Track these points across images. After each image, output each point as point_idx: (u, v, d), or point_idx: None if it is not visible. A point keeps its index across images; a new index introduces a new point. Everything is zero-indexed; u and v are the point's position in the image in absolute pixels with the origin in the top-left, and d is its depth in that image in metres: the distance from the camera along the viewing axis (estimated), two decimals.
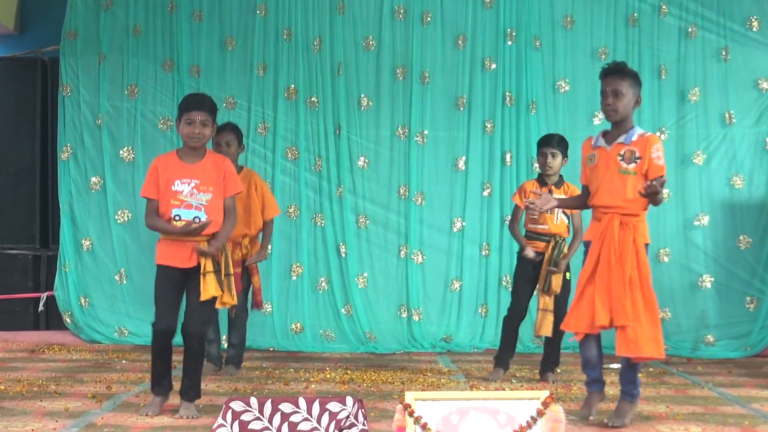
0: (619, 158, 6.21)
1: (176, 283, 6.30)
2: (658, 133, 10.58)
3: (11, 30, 11.13)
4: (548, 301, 8.01)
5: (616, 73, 6.32)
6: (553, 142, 8.14)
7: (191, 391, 6.36)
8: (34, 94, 10.92)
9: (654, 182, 5.96)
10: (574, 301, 6.30)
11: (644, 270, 6.18)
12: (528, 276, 8.27)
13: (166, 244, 6.30)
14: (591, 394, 6.44)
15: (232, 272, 6.36)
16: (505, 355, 8.42)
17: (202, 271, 6.13)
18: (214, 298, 6.20)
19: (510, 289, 9.58)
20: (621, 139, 6.24)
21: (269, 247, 9.34)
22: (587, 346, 6.38)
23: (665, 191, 10.50)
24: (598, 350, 6.41)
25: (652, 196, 6.00)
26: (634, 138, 6.22)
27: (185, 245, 6.19)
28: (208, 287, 6.11)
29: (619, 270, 6.10)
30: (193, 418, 6.16)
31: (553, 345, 8.19)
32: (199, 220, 6.13)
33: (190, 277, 6.20)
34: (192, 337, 6.30)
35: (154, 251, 6.41)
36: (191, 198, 6.19)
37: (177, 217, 6.15)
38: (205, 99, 6.49)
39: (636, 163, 6.17)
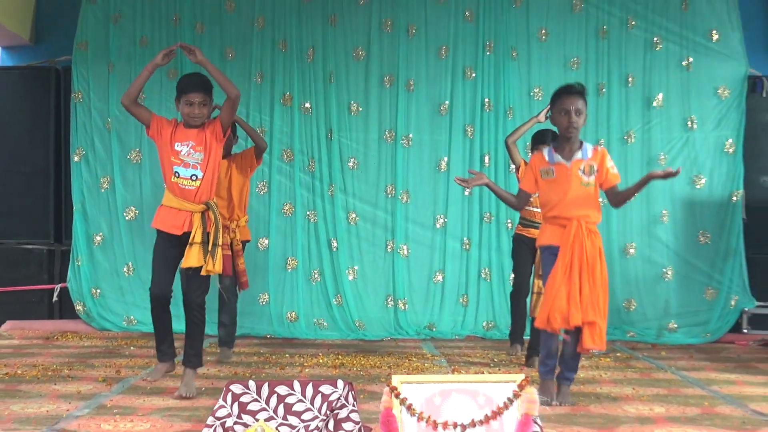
0: (580, 173, 6.28)
1: (171, 250, 6.34)
2: (625, 137, 10.71)
3: (27, 41, 11.12)
4: (542, 284, 8.07)
5: (577, 93, 6.38)
6: (548, 137, 8.07)
7: (194, 359, 6.40)
8: (48, 101, 10.92)
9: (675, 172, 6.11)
10: (548, 300, 6.32)
11: (606, 274, 6.35)
12: (525, 255, 8.34)
13: (163, 210, 6.36)
14: (549, 381, 6.49)
15: (220, 243, 6.31)
16: (517, 330, 8.49)
17: (190, 240, 6.18)
18: (200, 270, 6.21)
19: (489, 279, 9.65)
20: (578, 155, 6.31)
21: (265, 240, 9.42)
22: (554, 340, 6.46)
23: None
24: (556, 343, 6.49)
25: (666, 177, 6.15)
26: (590, 154, 6.33)
27: (180, 213, 6.27)
28: (192, 257, 6.16)
29: (590, 274, 6.20)
30: (190, 396, 6.20)
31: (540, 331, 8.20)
32: (196, 177, 6.24)
33: (182, 244, 6.22)
34: (191, 307, 6.36)
35: None
36: (188, 157, 6.30)
37: (176, 174, 6.27)
38: (201, 79, 6.53)
39: (594, 175, 6.29)
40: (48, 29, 11.29)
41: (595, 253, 6.22)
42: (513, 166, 8.55)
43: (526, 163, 8.13)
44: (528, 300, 8.35)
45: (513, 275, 8.69)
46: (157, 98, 10.57)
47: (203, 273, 6.26)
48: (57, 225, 10.95)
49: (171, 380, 6.78)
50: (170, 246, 6.34)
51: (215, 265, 6.27)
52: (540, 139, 8.05)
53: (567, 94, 6.38)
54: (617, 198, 6.42)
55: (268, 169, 10.56)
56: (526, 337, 8.54)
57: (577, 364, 6.49)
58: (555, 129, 6.70)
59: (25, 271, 10.83)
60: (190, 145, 6.31)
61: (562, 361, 6.48)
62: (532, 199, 7.94)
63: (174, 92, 9.70)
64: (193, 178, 6.27)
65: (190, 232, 6.20)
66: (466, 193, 10.66)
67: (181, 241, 6.27)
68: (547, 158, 6.41)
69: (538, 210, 8.00)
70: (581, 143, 6.39)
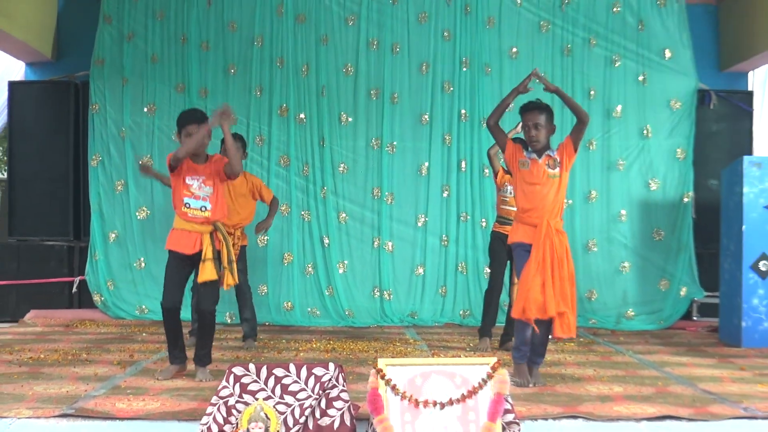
0: (546, 167, 6.32)
1: (182, 267, 6.37)
2: (587, 145, 10.72)
3: (49, 58, 11.10)
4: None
5: (535, 109, 6.43)
6: (520, 140, 8.15)
7: (204, 358, 6.46)
8: (68, 112, 10.90)
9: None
10: (522, 293, 6.32)
11: (572, 269, 6.38)
12: (500, 255, 8.22)
13: (175, 233, 6.38)
14: (522, 365, 6.51)
15: (234, 259, 6.40)
16: (487, 325, 8.39)
17: (202, 257, 6.22)
18: (217, 281, 6.27)
19: (465, 272, 9.65)
20: (548, 152, 6.38)
21: (265, 237, 9.44)
22: (529, 329, 6.46)
23: (593, 192, 10.61)
24: (531, 332, 6.51)
25: (544, 82, 6.43)
26: (556, 150, 6.39)
27: (191, 234, 6.29)
28: (206, 272, 6.20)
29: (559, 269, 6.23)
30: (207, 380, 6.24)
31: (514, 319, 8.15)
32: (205, 208, 6.27)
33: (194, 263, 6.28)
34: (203, 314, 6.44)
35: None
36: (199, 191, 6.33)
37: (187, 204, 6.29)
38: (198, 112, 6.54)
39: (558, 167, 6.33)
40: (68, 47, 11.26)
41: (562, 251, 6.27)
42: (493, 173, 8.49)
43: (504, 171, 8.16)
44: (507, 295, 8.37)
45: (489, 272, 8.63)
46: (167, 109, 10.59)
47: (225, 287, 6.36)
48: (76, 224, 10.93)
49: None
50: (183, 265, 6.38)
51: (234, 278, 6.39)
52: (518, 139, 8.08)
53: (526, 110, 6.48)
54: (577, 132, 6.48)
55: (266, 173, 10.55)
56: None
57: (545, 350, 6.53)
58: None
59: (48, 265, 10.80)
60: (201, 179, 6.35)
61: (531, 346, 6.50)
62: (507, 199, 8.01)
63: (181, 104, 9.75)
64: (203, 209, 6.32)
65: (201, 252, 6.25)
66: (444, 194, 10.68)
67: (192, 260, 6.31)
68: (524, 153, 6.46)
69: (515, 209, 8.02)
70: (548, 148, 6.44)
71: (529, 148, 6.44)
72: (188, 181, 6.34)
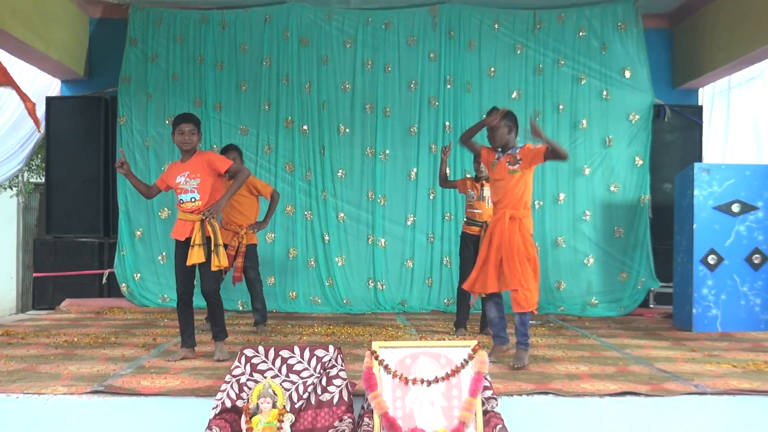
0: (507, 164, 6.39)
1: (183, 254, 6.38)
2: None
3: (82, 76, 11.07)
4: None
5: (505, 115, 6.47)
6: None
7: (220, 334, 6.51)
8: (99, 124, 10.88)
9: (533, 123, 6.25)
10: (475, 271, 6.46)
11: (532, 250, 6.36)
12: (469, 251, 8.16)
13: (176, 223, 6.48)
14: (495, 345, 6.54)
15: (220, 243, 6.33)
16: (462, 317, 8.37)
17: (191, 243, 6.25)
18: (209, 265, 6.29)
19: (450, 266, 9.64)
20: (510, 151, 6.44)
21: (272, 234, 9.43)
22: (488, 308, 6.55)
23: (561, 195, 10.60)
24: (499, 313, 6.53)
25: (537, 134, 6.18)
26: (518, 150, 6.41)
27: (186, 224, 6.35)
28: (194, 255, 6.23)
29: (510, 250, 6.26)
30: (224, 358, 6.28)
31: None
32: (195, 198, 6.32)
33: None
34: (208, 296, 6.43)
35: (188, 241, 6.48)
36: (186, 185, 6.36)
37: (181, 200, 6.39)
38: (191, 115, 6.60)
39: (518, 164, 6.36)
40: (98, 66, 11.24)
41: (514, 235, 6.27)
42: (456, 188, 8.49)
43: (467, 180, 8.25)
44: None
45: (460, 271, 8.57)
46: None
47: (213, 268, 6.31)
48: (106, 223, 10.91)
49: (197, 348, 6.75)
50: (182, 251, 6.40)
51: (220, 261, 6.33)
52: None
53: (489, 114, 6.51)
54: (552, 155, 6.32)
55: (274, 178, 10.55)
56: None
57: (526, 331, 6.38)
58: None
59: (81, 259, 10.80)
60: (186, 174, 6.38)
61: (489, 323, 6.64)
62: (472, 203, 8.02)
63: (198, 117, 9.72)
64: (193, 200, 6.35)
65: (191, 238, 6.28)
66: (431, 196, 10.68)
67: (186, 243, 6.33)
68: (496, 154, 6.54)
69: (479, 211, 8.04)
70: (511, 147, 6.50)
71: (499, 150, 6.52)
72: (177, 179, 6.41)
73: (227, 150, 8.21)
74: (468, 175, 8.28)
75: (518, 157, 6.37)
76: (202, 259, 6.26)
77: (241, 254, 8.11)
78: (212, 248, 6.29)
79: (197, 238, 6.25)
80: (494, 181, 6.55)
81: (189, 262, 6.27)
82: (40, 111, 11.01)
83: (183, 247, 6.37)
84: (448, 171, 7.49)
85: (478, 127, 6.63)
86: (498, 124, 6.38)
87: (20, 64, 10.47)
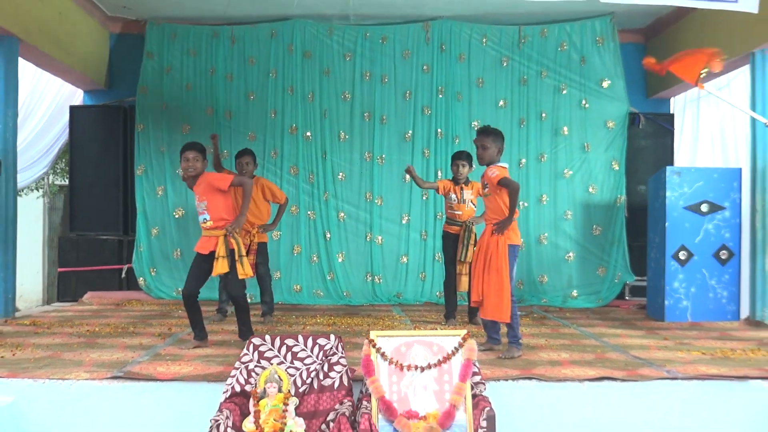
0: (483, 186, 6.47)
1: (201, 264, 6.41)
2: (540, 157, 10.74)
3: (103, 87, 11.06)
4: (462, 267, 7.99)
5: (480, 134, 6.44)
6: (463, 156, 8.14)
7: (246, 333, 6.59)
8: (118, 131, 10.87)
9: (497, 225, 6.24)
10: (474, 281, 6.42)
11: (500, 262, 6.19)
12: (451, 250, 8.17)
13: (200, 239, 6.47)
14: (488, 344, 6.54)
15: (244, 254, 6.38)
16: (451, 309, 8.36)
17: (216, 255, 6.28)
18: (236, 273, 6.35)
19: (442, 261, 9.63)
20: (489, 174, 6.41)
21: (278, 232, 9.43)
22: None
23: (544, 196, 10.61)
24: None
25: (499, 230, 6.21)
26: (492, 173, 6.33)
27: (209, 239, 6.37)
28: (219, 266, 6.27)
29: (486, 264, 6.25)
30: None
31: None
32: (206, 219, 6.38)
33: (211, 261, 6.33)
34: (234, 300, 6.58)
35: (200, 236, 6.50)
36: (198, 207, 6.47)
37: (199, 220, 6.50)
38: (194, 143, 6.59)
39: (487, 187, 6.39)
40: (118, 78, 11.22)
41: (492, 249, 6.23)
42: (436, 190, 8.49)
43: (447, 184, 8.22)
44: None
45: (445, 267, 8.57)
46: (199, 128, 10.56)
47: (240, 277, 6.37)
48: (125, 221, 10.90)
49: (209, 337, 6.75)
50: (202, 262, 6.41)
51: (245, 270, 6.39)
52: (458, 156, 8.17)
53: (476, 135, 6.54)
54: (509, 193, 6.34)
55: (279, 180, 10.52)
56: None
57: (497, 330, 6.48)
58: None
59: (101, 255, 10.81)
60: (197, 198, 6.47)
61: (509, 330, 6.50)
62: (453, 204, 8.02)
63: (210, 125, 9.68)
64: (204, 220, 6.42)
65: (215, 251, 6.31)
66: (423, 197, 10.68)
67: (210, 258, 6.34)
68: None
69: (459, 212, 8.03)
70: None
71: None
72: (196, 202, 6.51)
73: (242, 154, 8.21)
74: (446, 179, 8.27)
75: (485, 182, 6.40)
76: (226, 269, 6.30)
77: (253, 251, 8.09)
78: (237, 258, 6.34)
79: (221, 250, 6.28)
80: (484, 197, 6.56)
81: (214, 273, 6.32)
82: (64, 119, 11.05)
83: (203, 258, 6.40)
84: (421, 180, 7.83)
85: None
86: (484, 143, 6.35)
87: (46, 75, 10.48)
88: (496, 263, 6.19)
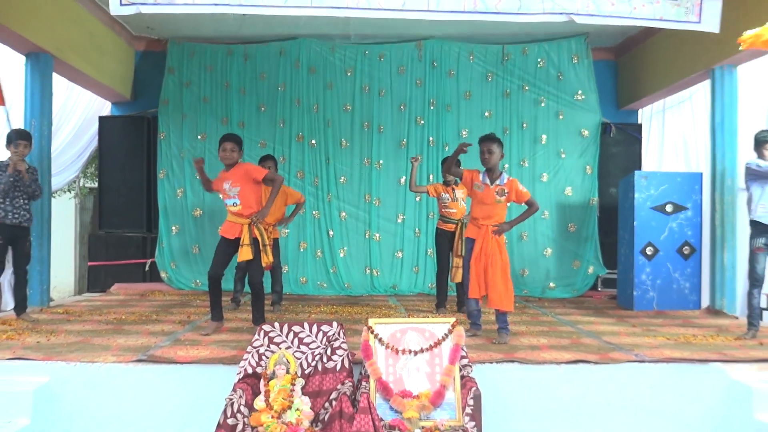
0: (495, 194, 6.32)
1: (226, 248, 6.36)
2: (521, 162, 10.73)
3: (128, 99, 11.05)
4: (458, 260, 7.98)
5: (488, 140, 6.38)
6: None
7: (259, 319, 6.47)
8: (142, 138, 10.85)
9: (498, 227, 6.28)
10: (471, 279, 6.36)
11: (505, 258, 6.30)
12: (444, 246, 8.16)
13: (225, 223, 6.42)
14: (475, 329, 6.52)
15: (267, 243, 6.37)
16: (442, 299, 8.36)
17: (241, 242, 6.25)
18: (260, 260, 6.30)
19: (433, 256, 9.64)
20: (497, 182, 6.34)
21: (287, 230, 9.42)
22: (473, 303, 6.49)
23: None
24: (477, 306, 6.50)
25: (499, 232, 6.28)
26: (505, 181, 6.34)
27: (234, 225, 6.33)
28: (244, 253, 6.23)
29: (491, 260, 6.23)
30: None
31: (463, 289, 8.09)
32: (236, 203, 6.32)
33: (236, 246, 6.30)
34: (253, 285, 6.46)
35: (216, 235, 6.51)
36: (229, 191, 6.38)
37: (226, 203, 6.39)
38: (233, 134, 6.58)
39: (504, 196, 6.32)
40: (142, 91, 11.20)
41: (495, 247, 6.24)
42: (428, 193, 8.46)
43: (440, 186, 8.16)
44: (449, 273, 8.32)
45: (437, 261, 8.56)
46: (214, 136, 10.53)
47: (263, 264, 6.34)
48: (148, 220, 10.89)
49: (224, 324, 6.74)
50: (227, 246, 6.36)
51: (269, 258, 6.39)
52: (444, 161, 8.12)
53: (481, 140, 6.44)
54: (528, 207, 6.42)
55: (287, 183, 10.46)
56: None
57: (505, 320, 6.38)
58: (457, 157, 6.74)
59: (127, 250, 10.79)
60: (229, 183, 6.37)
61: (497, 319, 6.45)
62: (446, 203, 7.99)
63: (225, 133, 9.68)
64: (234, 204, 6.34)
65: (240, 238, 6.27)
66: (417, 199, 10.68)
67: (235, 244, 6.31)
68: (481, 178, 6.42)
69: (453, 210, 8.00)
70: (501, 173, 6.41)
71: (486, 177, 6.41)
72: (223, 185, 6.39)
73: (265, 159, 8.25)
74: (435, 182, 8.25)
75: (505, 190, 6.33)
76: (250, 257, 6.26)
77: (271, 245, 8.16)
78: (261, 248, 6.32)
79: (246, 238, 6.26)
80: (479, 203, 6.44)
81: (240, 259, 6.28)
82: (94, 128, 11.04)
83: (228, 243, 6.36)
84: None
85: (455, 156, 6.59)
86: (491, 149, 6.34)
87: (77, 88, 10.46)
88: (501, 260, 6.25)
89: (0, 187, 6.75)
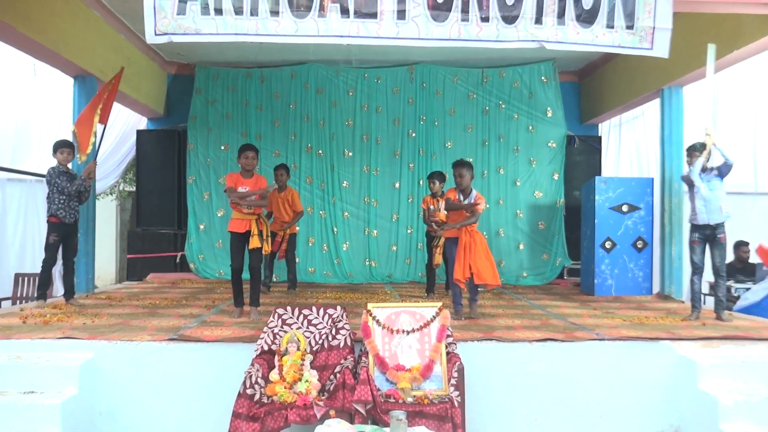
0: (465, 211, 6.48)
1: (239, 241, 6.34)
2: (498, 170, 10.74)
3: (162, 115, 11.03)
4: (439, 252, 8.09)
5: (459, 165, 6.58)
6: (435, 175, 8.19)
7: (255, 301, 6.40)
8: (174, 149, 10.80)
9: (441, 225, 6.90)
10: (455, 267, 6.41)
11: (485, 244, 6.45)
12: (430, 244, 8.26)
13: (233, 221, 6.37)
14: (459, 311, 6.52)
15: (268, 235, 6.40)
16: (431, 285, 8.38)
17: (251, 233, 6.25)
18: (260, 249, 6.32)
19: (423, 250, 9.63)
20: (468, 199, 6.52)
21: (297, 228, 9.42)
22: (458, 289, 6.54)
23: (501, 199, 10.57)
24: (456, 289, 6.55)
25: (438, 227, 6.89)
26: (474, 198, 6.50)
27: (243, 221, 6.31)
28: (253, 242, 6.23)
29: (474, 249, 6.32)
30: (257, 320, 6.17)
31: (447, 273, 8.06)
32: (250, 207, 6.31)
33: (246, 238, 6.29)
34: (253, 270, 6.35)
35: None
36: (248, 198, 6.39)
37: (239, 204, 6.29)
38: (252, 145, 6.57)
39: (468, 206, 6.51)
40: (174, 108, 11.16)
41: (473, 241, 6.35)
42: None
43: (425, 199, 8.24)
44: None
45: (427, 254, 8.55)
46: (235, 147, 10.45)
47: (264, 252, 6.38)
48: (179, 219, 10.85)
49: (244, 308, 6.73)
50: (238, 240, 6.34)
51: (270, 246, 6.51)
52: (432, 176, 8.21)
53: (454, 165, 6.67)
54: (471, 215, 6.53)
55: (298, 188, 10.43)
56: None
57: (476, 293, 6.56)
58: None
59: (161, 245, 10.85)
60: (247, 189, 6.36)
61: (469, 293, 6.57)
62: (434, 212, 8.06)
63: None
64: (249, 207, 6.31)
65: (250, 231, 6.28)
66: (409, 200, 10.66)
67: (244, 236, 6.30)
68: (456, 195, 6.58)
69: (436, 219, 7.97)
70: (471, 191, 6.57)
71: (459, 194, 6.59)
72: (240, 189, 6.36)
73: (279, 168, 8.47)
74: (427, 195, 8.27)
75: (476, 202, 6.50)
76: (259, 245, 6.26)
77: (285, 241, 8.53)
78: (264, 238, 6.33)
79: (254, 230, 6.26)
80: (454, 213, 6.64)
81: (251, 246, 6.25)
82: (132, 139, 11.03)
83: (239, 238, 6.33)
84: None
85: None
86: (461, 173, 6.53)
87: (117, 106, 10.43)
88: (483, 247, 6.38)
89: (73, 188, 6.88)
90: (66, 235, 6.98)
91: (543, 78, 10.87)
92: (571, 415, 5.11)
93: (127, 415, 4.95)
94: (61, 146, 6.98)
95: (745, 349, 5.34)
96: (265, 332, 4.84)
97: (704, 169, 6.59)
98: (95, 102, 7.10)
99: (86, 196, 7.20)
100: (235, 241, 6.38)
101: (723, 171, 6.52)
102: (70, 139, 7.26)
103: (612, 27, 5.59)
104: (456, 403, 4.23)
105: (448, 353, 4.69)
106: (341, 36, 5.33)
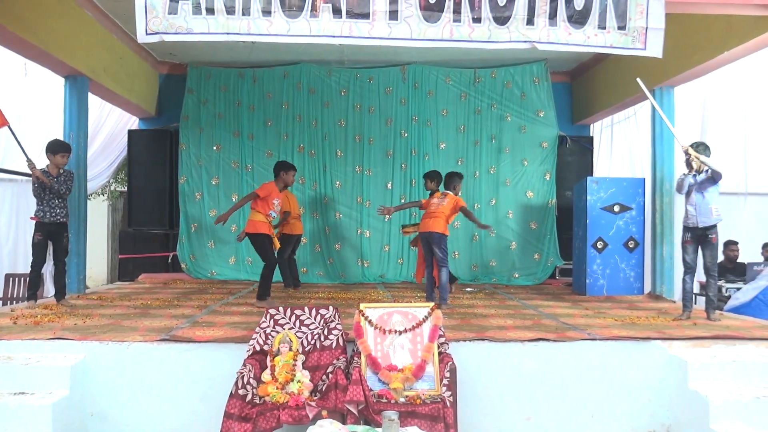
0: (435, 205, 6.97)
1: (269, 242, 7.16)
2: (489, 170, 10.77)
3: (153, 115, 11.00)
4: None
5: (426, 177, 7.90)
6: (427, 175, 8.22)
7: (263, 295, 7.10)
8: (165, 149, 10.78)
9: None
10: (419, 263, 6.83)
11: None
12: (424, 244, 8.21)
13: (263, 223, 7.10)
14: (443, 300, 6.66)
15: (275, 236, 7.25)
16: (431, 289, 8.39)
17: (273, 237, 7.17)
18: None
19: (414, 249, 9.62)
20: (443, 201, 7.28)
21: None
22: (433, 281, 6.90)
23: (493, 200, 10.58)
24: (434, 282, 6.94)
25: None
26: (446, 201, 7.27)
27: (266, 224, 7.15)
28: (276, 243, 7.26)
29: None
30: (258, 308, 6.65)
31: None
32: (275, 216, 7.37)
33: (270, 238, 7.17)
34: (271, 267, 7.14)
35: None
36: (276, 207, 7.26)
37: (270, 214, 7.16)
38: (291, 166, 7.77)
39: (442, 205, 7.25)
40: (165, 108, 11.13)
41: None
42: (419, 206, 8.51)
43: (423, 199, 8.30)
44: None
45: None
46: (227, 147, 10.59)
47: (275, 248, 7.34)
48: (170, 219, 10.83)
49: (235, 308, 6.70)
50: (269, 240, 7.15)
51: (278, 245, 7.39)
52: (430, 176, 8.11)
53: (424, 177, 7.80)
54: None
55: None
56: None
57: (433, 292, 7.26)
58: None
59: (153, 245, 10.78)
60: (278, 201, 7.30)
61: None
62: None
63: (236, 144, 9.62)
64: (275, 216, 7.36)
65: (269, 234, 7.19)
66: (401, 200, 10.64)
67: (269, 237, 7.13)
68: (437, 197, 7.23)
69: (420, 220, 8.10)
70: (445, 195, 7.34)
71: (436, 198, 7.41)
72: (274, 201, 7.18)
73: (292, 168, 8.28)
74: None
75: (445, 204, 7.25)
76: (278, 245, 7.34)
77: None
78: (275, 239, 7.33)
79: (272, 232, 7.27)
80: (432, 205, 7.21)
81: (276, 247, 7.22)
82: (124, 140, 10.99)
83: (269, 238, 7.12)
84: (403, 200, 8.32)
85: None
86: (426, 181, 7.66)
87: (108, 105, 10.43)
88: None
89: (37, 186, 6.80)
90: (52, 235, 6.93)
91: (535, 78, 10.89)
92: (563, 414, 5.12)
93: (118, 416, 4.93)
94: (61, 150, 6.94)
95: (735, 349, 5.37)
96: (257, 333, 4.83)
97: (699, 171, 6.60)
98: None
99: (63, 191, 6.85)
100: (266, 240, 7.09)
101: (716, 177, 6.52)
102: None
103: (604, 28, 5.61)
104: (448, 403, 4.23)
105: (440, 353, 4.69)
106: (334, 36, 5.33)
